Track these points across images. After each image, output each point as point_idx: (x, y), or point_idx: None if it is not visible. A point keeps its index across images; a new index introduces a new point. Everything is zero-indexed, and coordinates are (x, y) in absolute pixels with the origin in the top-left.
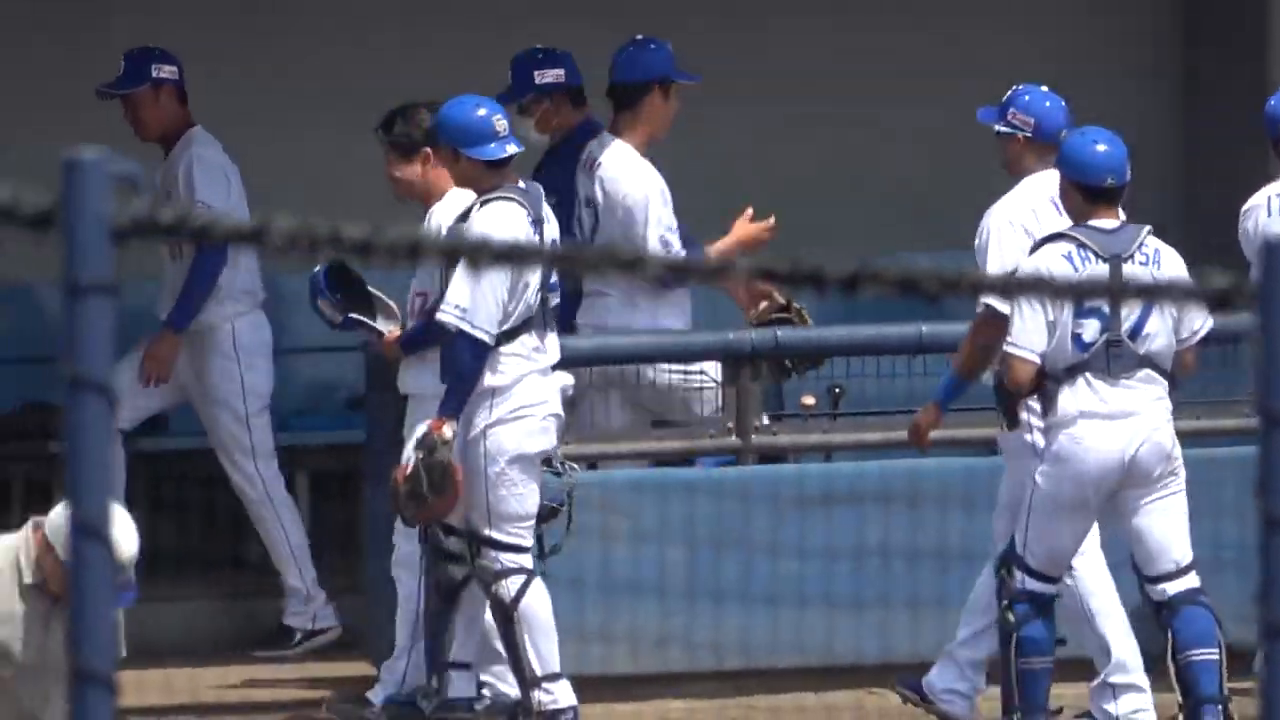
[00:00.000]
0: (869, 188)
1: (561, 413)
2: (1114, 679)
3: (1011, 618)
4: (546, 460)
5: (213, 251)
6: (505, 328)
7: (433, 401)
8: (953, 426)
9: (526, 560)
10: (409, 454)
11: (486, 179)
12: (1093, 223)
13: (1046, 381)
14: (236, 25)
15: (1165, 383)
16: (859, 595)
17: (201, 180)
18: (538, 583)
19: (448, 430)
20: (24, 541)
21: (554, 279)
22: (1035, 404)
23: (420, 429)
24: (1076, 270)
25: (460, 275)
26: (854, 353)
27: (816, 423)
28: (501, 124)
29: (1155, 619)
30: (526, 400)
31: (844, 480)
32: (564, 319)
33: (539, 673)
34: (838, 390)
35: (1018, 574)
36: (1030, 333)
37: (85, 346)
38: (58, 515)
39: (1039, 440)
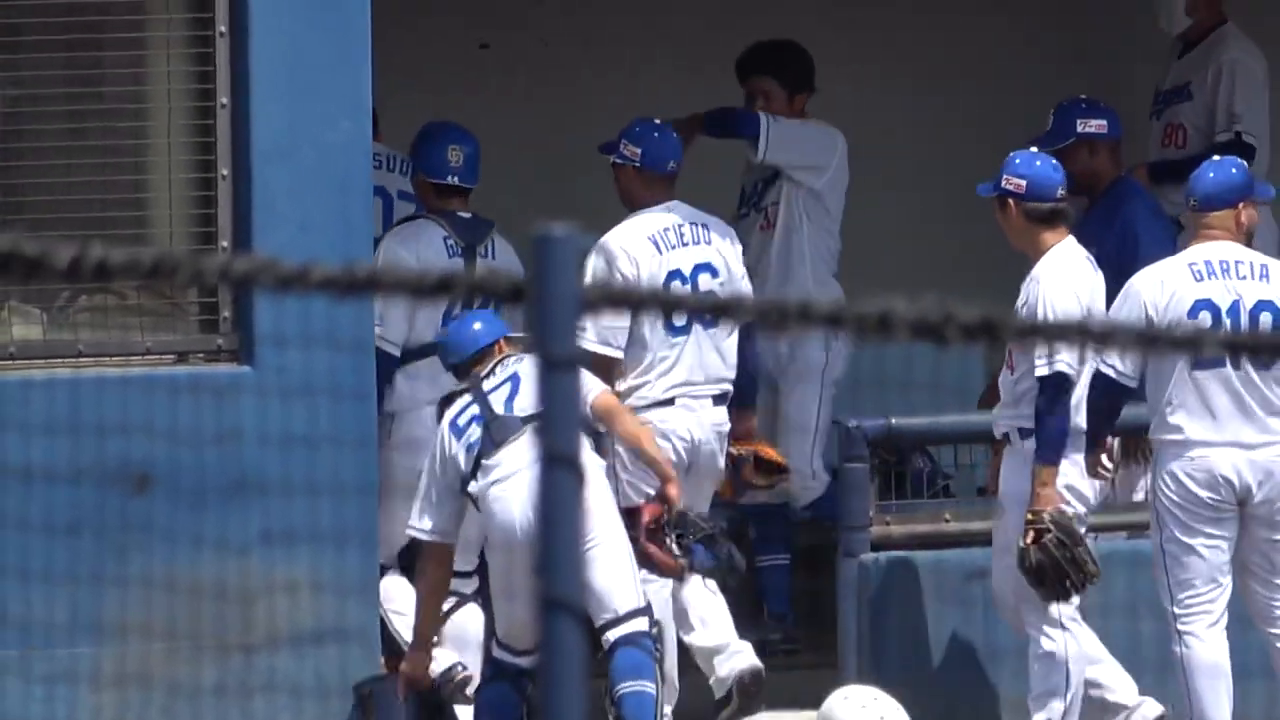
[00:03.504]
0: None
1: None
2: None
3: None
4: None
5: None
6: (410, 346)
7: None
8: None
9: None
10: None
11: (434, 200)
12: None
13: None
14: None
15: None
16: None
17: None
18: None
19: None
20: None
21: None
22: None
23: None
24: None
25: None
26: None
27: None
28: (455, 153)
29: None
30: (414, 432)
31: None
32: None
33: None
34: None
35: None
36: None
37: (554, 421)
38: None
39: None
